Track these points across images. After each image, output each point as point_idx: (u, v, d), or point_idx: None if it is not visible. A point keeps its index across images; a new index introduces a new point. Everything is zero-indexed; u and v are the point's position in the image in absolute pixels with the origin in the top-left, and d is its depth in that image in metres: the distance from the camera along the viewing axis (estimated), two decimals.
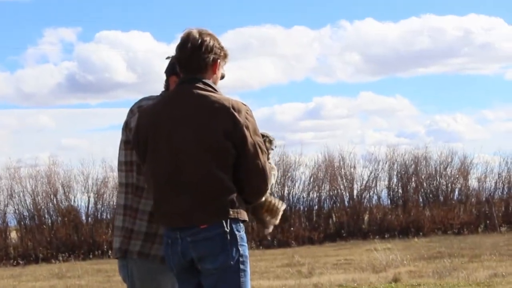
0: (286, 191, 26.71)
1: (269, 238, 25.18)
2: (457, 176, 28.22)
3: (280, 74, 45.67)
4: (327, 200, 27.33)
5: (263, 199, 4.33)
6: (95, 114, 44.86)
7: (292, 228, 25.70)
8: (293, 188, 26.98)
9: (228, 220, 4.01)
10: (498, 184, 28.30)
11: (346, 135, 46.40)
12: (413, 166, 28.01)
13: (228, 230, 4.00)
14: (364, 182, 27.44)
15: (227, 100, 4.07)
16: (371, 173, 27.56)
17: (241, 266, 4.06)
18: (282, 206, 4.43)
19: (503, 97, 48.60)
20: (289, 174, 26.96)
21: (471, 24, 43.71)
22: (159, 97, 4.41)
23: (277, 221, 4.44)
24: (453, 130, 41.62)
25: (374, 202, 27.61)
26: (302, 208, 26.95)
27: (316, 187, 27.15)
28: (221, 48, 4.22)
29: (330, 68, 43.99)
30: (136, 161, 4.38)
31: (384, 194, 27.74)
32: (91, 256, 23.98)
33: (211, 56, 4.17)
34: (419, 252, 18.19)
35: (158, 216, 4.19)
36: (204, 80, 4.15)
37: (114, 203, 24.67)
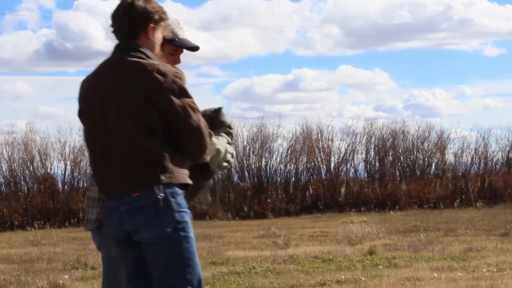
0: (263, 163, 26.72)
1: (245, 209, 25.24)
2: (434, 150, 28.36)
3: (260, 46, 45.55)
4: (304, 172, 27.39)
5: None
6: (73, 82, 44.34)
7: (268, 200, 25.74)
8: (271, 160, 27.03)
9: (161, 187, 3.87)
10: (474, 159, 28.49)
11: (324, 108, 46.41)
12: (390, 140, 28.10)
13: (161, 198, 3.87)
14: (342, 155, 27.51)
15: (151, 65, 3.91)
16: (348, 146, 27.63)
17: (181, 233, 3.90)
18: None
19: (481, 73, 48.84)
20: (266, 146, 26.98)
21: None
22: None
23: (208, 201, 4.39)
24: (431, 105, 41.76)
25: (351, 175, 27.70)
26: (279, 180, 26.99)
27: (294, 159, 27.18)
28: (156, 11, 4.02)
29: (310, 41, 43.94)
30: None
31: (361, 167, 27.87)
32: (66, 224, 23.89)
33: (142, 21, 3.99)
34: (395, 225, 18.28)
35: (97, 185, 4.16)
36: (136, 47, 3.99)
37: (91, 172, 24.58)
